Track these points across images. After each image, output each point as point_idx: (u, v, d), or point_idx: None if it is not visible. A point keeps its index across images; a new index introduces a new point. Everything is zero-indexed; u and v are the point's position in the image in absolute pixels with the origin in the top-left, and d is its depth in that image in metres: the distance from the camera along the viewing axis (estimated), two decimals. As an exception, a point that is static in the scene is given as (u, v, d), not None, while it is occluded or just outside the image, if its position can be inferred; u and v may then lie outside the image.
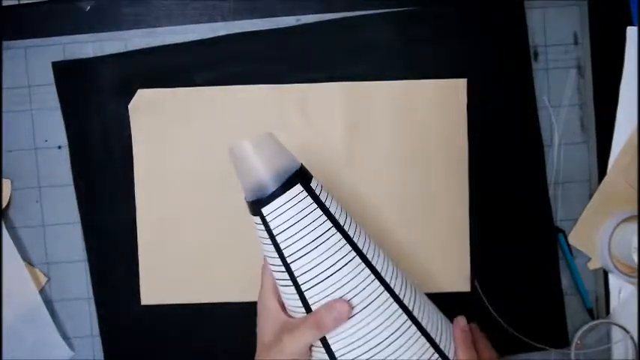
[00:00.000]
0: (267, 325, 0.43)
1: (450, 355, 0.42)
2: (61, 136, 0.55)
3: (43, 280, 0.55)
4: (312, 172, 0.42)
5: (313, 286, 0.40)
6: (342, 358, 0.40)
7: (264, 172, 0.40)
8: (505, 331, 0.54)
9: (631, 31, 0.55)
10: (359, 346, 0.39)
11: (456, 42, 0.54)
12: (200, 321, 0.55)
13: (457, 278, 0.54)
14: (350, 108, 0.54)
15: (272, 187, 0.39)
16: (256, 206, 0.40)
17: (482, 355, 0.44)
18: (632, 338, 0.54)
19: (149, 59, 0.54)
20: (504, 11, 0.54)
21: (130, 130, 0.54)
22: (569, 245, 0.55)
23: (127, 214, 0.54)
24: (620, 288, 0.55)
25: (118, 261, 0.55)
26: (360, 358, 0.39)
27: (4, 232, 0.54)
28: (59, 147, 0.55)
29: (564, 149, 0.55)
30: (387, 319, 0.40)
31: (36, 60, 0.55)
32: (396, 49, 0.54)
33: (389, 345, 0.39)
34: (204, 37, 0.55)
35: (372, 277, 0.40)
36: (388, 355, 0.39)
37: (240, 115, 0.54)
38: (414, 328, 0.40)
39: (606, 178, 0.55)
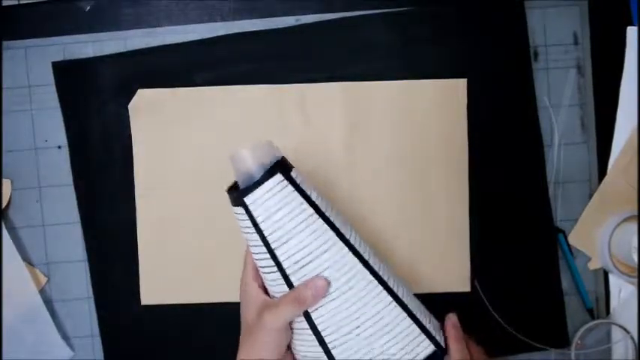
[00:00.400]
0: (249, 307, 0.44)
1: (437, 337, 0.43)
2: (61, 136, 0.55)
3: (43, 280, 0.55)
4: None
5: (298, 269, 0.41)
6: (330, 337, 0.42)
7: (251, 162, 0.41)
8: (505, 331, 0.54)
9: (631, 31, 0.55)
10: (344, 325, 0.41)
11: (456, 42, 0.54)
12: (200, 321, 0.55)
13: (457, 278, 0.54)
14: (350, 108, 0.54)
15: (256, 177, 0.41)
16: (240, 196, 0.41)
17: (472, 353, 0.44)
18: (632, 338, 0.54)
19: (149, 59, 0.55)
20: (504, 11, 0.54)
21: (130, 130, 0.54)
22: (569, 245, 0.55)
23: (127, 214, 0.54)
24: (620, 288, 0.55)
25: (118, 261, 0.55)
26: (346, 337, 0.41)
27: (4, 232, 0.54)
28: (59, 147, 0.55)
29: (564, 149, 0.55)
30: (371, 300, 0.42)
31: (36, 60, 0.55)
32: (396, 49, 0.54)
33: (374, 324, 0.41)
34: (204, 37, 0.55)
35: (355, 259, 0.42)
36: (372, 334, 0.41)
37: (240, 115, 0.54)
38: (398, 308, 0.42)
39: (606, 178, 0.55)
